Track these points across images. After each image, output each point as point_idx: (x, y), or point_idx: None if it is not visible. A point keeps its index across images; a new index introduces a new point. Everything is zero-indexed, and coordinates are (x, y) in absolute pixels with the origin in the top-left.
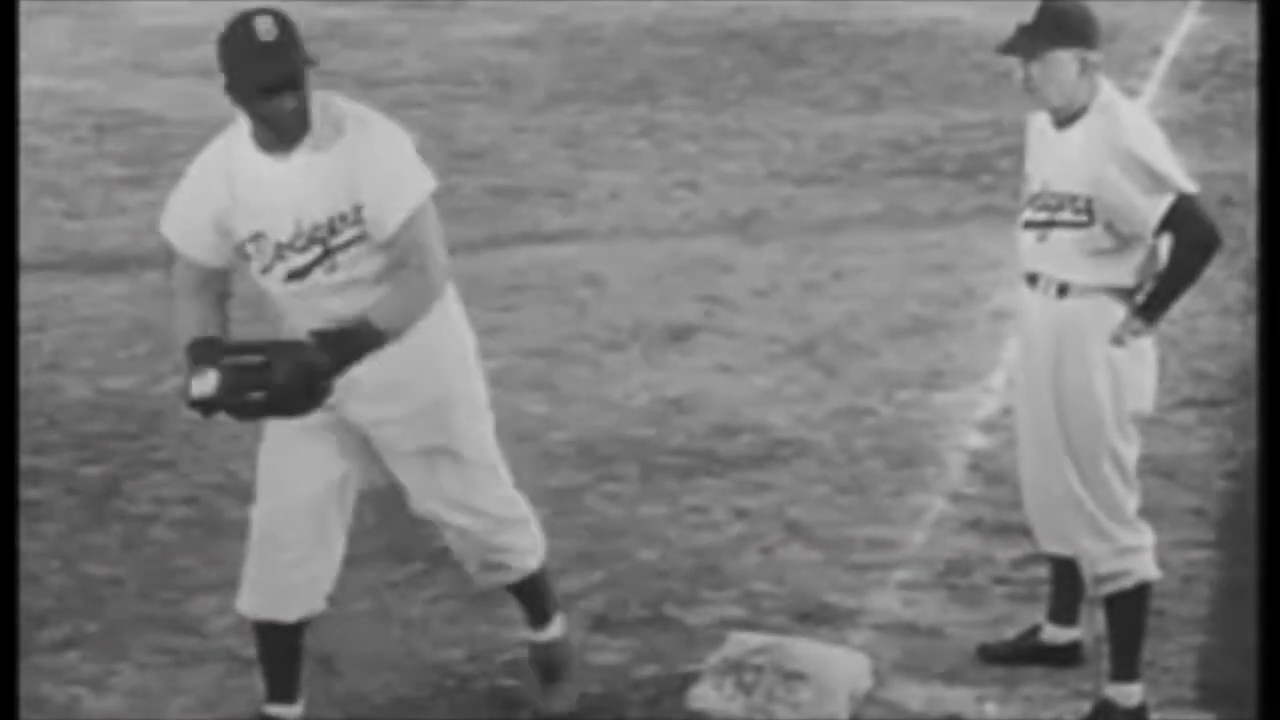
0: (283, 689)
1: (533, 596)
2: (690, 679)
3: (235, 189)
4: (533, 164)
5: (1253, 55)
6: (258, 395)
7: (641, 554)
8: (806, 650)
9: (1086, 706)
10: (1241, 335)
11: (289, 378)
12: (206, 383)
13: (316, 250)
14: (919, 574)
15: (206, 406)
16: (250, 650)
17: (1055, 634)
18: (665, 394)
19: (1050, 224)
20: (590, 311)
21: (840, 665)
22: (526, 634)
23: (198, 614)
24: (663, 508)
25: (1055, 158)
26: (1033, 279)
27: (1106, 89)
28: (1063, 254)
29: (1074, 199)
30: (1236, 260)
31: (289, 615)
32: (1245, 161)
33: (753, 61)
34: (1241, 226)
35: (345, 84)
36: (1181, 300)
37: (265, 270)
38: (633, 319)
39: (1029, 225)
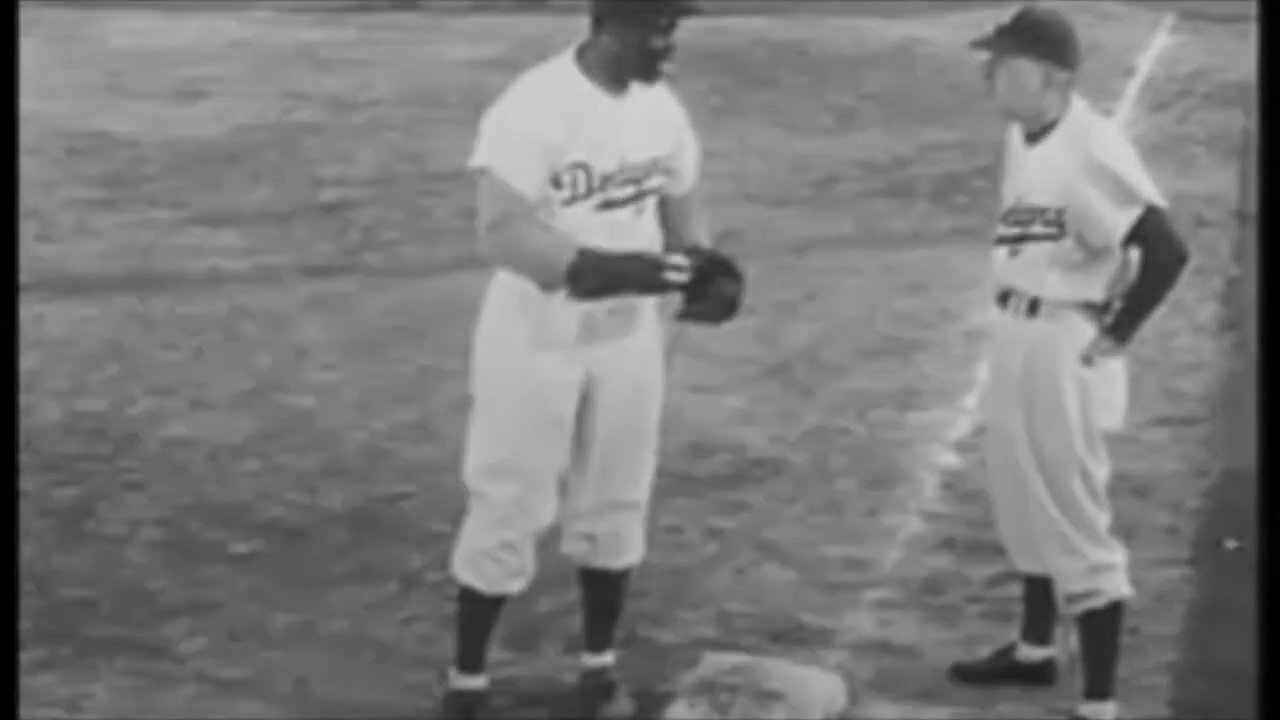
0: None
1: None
2: (665, 699)
3: (573, 120)
4: None
5: (1226, 76)
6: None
7: None
8: (781, 670)
9: None
10: (1215, 354)
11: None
12: (682, 271)
13: (630, 189)
14: (893, 593)
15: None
16: (223, 672)
17: (1029, 652)
18: None
19: (1022, 238)
20: None
21: (815, 685)
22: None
23: (171, 636)
24: None
25: (1027, 172)
26: (1004, 297)
27: (1078, 105)
28: (1034, 268)
29: (1044, 211)
30: (1210, 280)
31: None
32: (1218, 182)
33: (725, 82)
34: (1214, 246)
35: (317, 106)
36: (1155, 320)
37: (572, 200)
38: None
39: (1001, 241)
